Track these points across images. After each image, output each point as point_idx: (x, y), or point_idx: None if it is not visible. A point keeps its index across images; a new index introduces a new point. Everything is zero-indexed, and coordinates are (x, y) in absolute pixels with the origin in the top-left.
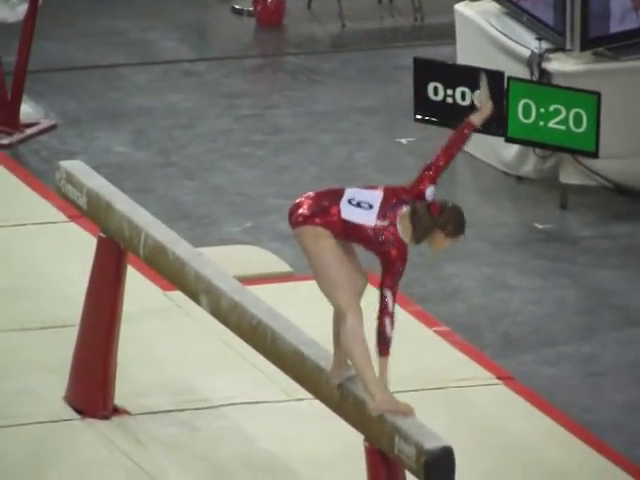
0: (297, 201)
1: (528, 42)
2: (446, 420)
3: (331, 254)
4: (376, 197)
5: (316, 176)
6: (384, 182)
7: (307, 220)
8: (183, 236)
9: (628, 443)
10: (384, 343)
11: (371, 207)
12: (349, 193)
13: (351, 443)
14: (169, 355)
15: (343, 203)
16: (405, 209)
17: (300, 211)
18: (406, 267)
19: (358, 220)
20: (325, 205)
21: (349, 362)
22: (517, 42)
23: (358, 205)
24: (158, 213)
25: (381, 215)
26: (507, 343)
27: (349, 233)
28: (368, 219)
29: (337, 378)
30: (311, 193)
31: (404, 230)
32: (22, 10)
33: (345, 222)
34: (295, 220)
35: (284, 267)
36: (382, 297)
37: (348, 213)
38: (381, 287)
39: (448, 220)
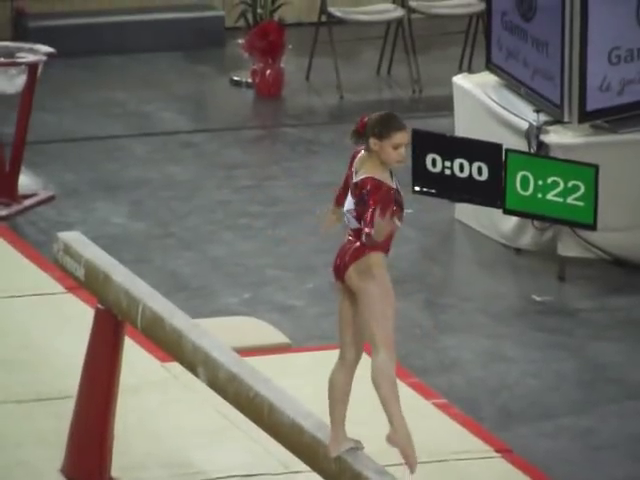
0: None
1: (526, 114)
2: None
3: (382, 286)
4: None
5: (314, 247)
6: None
7: (353, 259)
8: (181, 307)
9: None
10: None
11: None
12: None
13: None
14: (166, 427)
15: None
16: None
17: (340, 261)
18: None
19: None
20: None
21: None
22: (515, 114)
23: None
24: (156, 284)
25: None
26: (505, 416)
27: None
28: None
29: (335, 451)
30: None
31: (363, 172)
32: (20, 81)
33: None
34: (344, 268)
35: (282, 338)
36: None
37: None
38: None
39: (373, 125)
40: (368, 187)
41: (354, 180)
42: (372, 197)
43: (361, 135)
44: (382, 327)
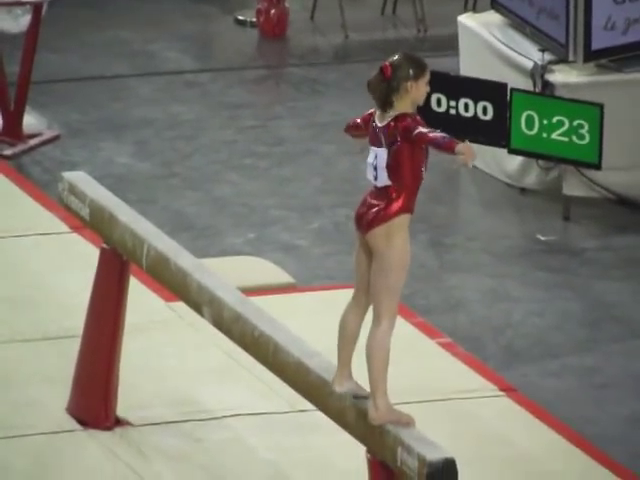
0: (360, 211)
1: (531, 54)
2: (448, 432)
3: (402, 255)
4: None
5: (319, 187)
6: None
7: (381, 221)
8: (186, 247)
9: (631, 455)
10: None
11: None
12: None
13: (354, 455)
14: (171, 366)
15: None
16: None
17: (364, 215)
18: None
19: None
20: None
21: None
22: (520, 54)
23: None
24: (161, 224)
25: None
26: (510, 355)
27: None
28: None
29: (339, 386)
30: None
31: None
32: (25, 21)
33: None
34: (368, 226)
35: (287, 278)
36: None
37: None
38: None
39: (406, 68)
40: (408, 120)
41: (382, 123)
42: (421, 124)
43: (388, 81)
44: (391, 299)
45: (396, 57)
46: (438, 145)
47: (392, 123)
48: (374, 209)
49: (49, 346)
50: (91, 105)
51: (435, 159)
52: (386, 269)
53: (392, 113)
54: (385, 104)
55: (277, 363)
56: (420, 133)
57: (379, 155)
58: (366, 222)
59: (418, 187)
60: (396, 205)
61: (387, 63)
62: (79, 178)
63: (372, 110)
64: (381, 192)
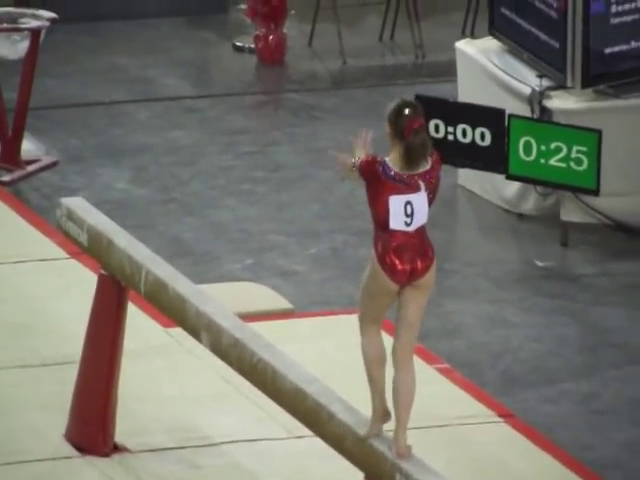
0: (405, 263)
1: (529, 80)
2: (446, 458)
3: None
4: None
5: (317, 213)
6: None
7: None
8: (184, 273)
9: None
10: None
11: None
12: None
13: None
14: (170, 392)
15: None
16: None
17: (420, 264)
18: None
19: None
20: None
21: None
22: (518, 80)
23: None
24: (159, 250)
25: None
26: (507, 380)
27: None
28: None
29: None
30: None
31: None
32: (23, 47)
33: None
34: (425, 269)
35: (285, 304)
36: None
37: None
38: None
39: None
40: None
41: (419, 170)
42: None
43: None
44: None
45: (414, 105)
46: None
47: (434, 167)
48: (422, 254)
49: (47, 372)
50: (89, 131)
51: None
52: (425, 301)
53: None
54: (426, 158)
55: (275, 389)
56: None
57: (417, 200)
58: (421, 269)
59: None
60: (429, 238)
61: (421, 117)
62: (77, 204)
63: (373, 160)
64: (412, 235)
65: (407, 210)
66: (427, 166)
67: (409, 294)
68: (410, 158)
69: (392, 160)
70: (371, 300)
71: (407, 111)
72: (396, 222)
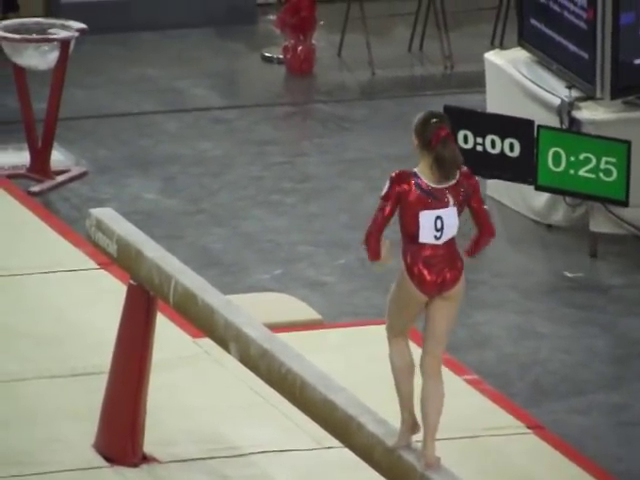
0: (434, 274)
1: (558, 90)
2: (475, 469)
3: None
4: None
5: (346, 224)
6: None
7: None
8: (212, 283)
9: None
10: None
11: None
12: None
13: None
14: (198, 403)
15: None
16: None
17: (449, 276)
18: None
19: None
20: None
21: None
22: (547, 90)
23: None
24: (188, 260)
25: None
26: (537, 392)
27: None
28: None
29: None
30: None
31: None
32: (53, 58)
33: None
34: (454, 280)
35: (313, 314)
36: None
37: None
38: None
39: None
40: (476, 182)
41: (446, 184)
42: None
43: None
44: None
45: (441, 115)
46: (482, 242)
47: (461, 181)
48: (450, 265)
49: (76, 383)
50: (118, 142)
51: None
52: (455, 312)
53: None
54: (458, 169)
55: (304, 400)
56: (485, 212)
57: (447, 215)
58: (450, 280)
59: None
60: (458, 250)
61: (448, 127)
62: (106, 214)
63: (405, 172)
64: (442, 247)
65: (437, 225)
66: (455, 179)
67: (438, 305)
68: (439, 168)
69: (422, 172)
70: (399, 311)
71: (433, 120)
72: (426, 236)
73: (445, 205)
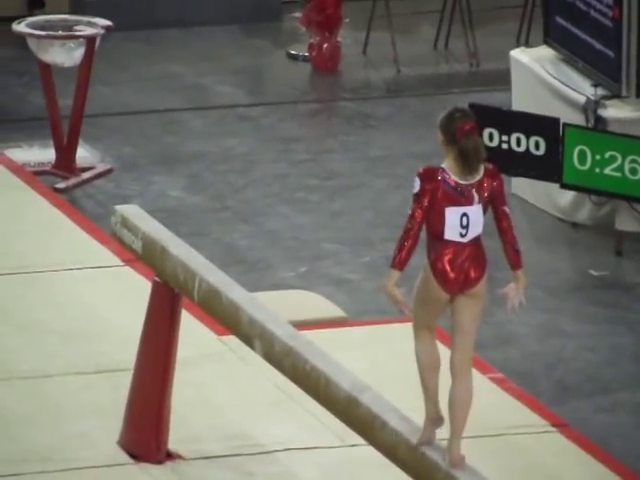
0: (458, 271)
1: (584, 89)
2: (500, 467)
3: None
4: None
5: (371, 221)
6: None
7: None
8: (237, 281)
9: None
10: (520, 255)
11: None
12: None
13: None
14: (223, 400)
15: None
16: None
17: (473, 274)
18: None
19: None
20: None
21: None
22: (573, 89)
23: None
24: (213, 257)
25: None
26: (562, 390)
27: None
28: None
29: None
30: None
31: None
32: (78, 54)
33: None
34: (477, 279)
35: (338, 312)
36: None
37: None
38: (505, 206)
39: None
40: (501, 184)
41: (471, 181)
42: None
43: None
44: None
45: (465, 111)
46: (510, 246)
47: (486, 179)
48: (474, 264)
49: (101, 379)
50: (144, 138)
51: None
52: (480, 310)
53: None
54: (481, 162)
55: (328, 397)
56: (507, 216)
57: (472, 212)
58: (473, 279)
59: None
60: (483, 249)
61: (472, 121)
62: (131, 211)
63: (425, 172)
64: (466, 245)
65: (463, 222)
66: (479, 175)
67: (463, 302)
68: (464, 161)
69: (448, 168)
70: (422, 307)
71: (457, 115)
72: (451, 233)
73: (471, 202)
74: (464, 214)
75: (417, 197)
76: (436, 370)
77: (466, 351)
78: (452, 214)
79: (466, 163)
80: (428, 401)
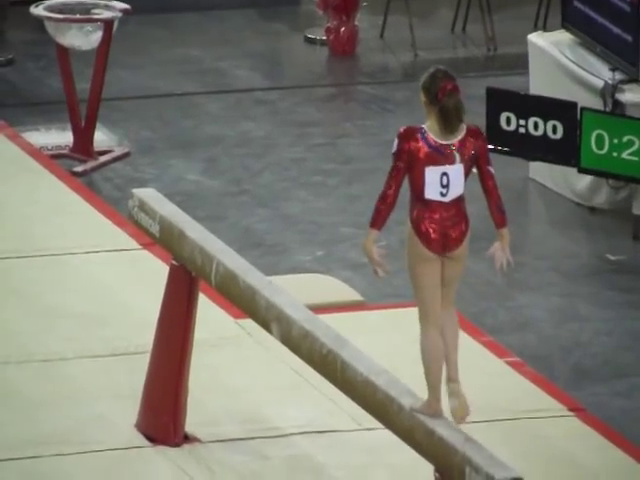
0: (439, 232)
1: (601, 73)
2: (517, 451)
3: None
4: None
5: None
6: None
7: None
8: (254, 264)
9: None
10: (505, 214)
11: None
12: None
13: (422, 474)
14: (240, 383)
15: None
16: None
17: (454, 234)
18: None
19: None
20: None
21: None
22: (590, 73)
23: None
24: (230, 241)
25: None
26: (578, 374)
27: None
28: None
29: (418, 407)
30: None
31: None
32: (96, 38)
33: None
34: (460, 240)
35: (355, 296)
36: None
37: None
38: (488, 166)
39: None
40: (485, 144)
41: (452, 140)
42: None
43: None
44: None
45: (446, 71)
46: (495, 205)
47: (468, 138)
48: (455, 225)
49: (118, 362)
50: (161, 122)
51: (503, 177)
52: (461, 271)
53: (461, 127)
54: (461, 121)
55: (345, 381)
56: (491, 175)
57: (453, 172)
58: (454, 240)
59: None
60: (466, 210)
61: (454, 81)
62: (149, 195)
63: (405, 132)
64: (448, 205)
65: (443, 181)
66: (461, 134)
67: (445, 264)
68: (445, 120)
69: (429, 128)
70: (419, 277)
71: (440, 75)
72: (432, 192)
73: (451, 161)
74: (444, 173)
75: (395, 156)
76: (439, 361)
77: (452, 301)
78: (432, 173)
79: (447, 122)
80: (431, 392)
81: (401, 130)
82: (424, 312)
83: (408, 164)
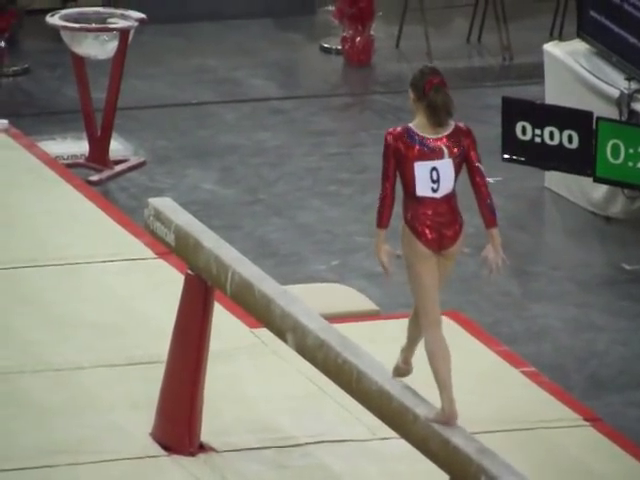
0: (434, 231)
1: (617, 82)
2: (532, 461)
3: None
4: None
5: (401, 215)
6: (470, 222)
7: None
8: (270, 273)
9: None
10: (495, 213)
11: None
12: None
13: None
14: (255, 392)
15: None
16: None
17: (448, 233)
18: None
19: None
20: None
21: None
22: (606, 82)
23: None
24: (245, 250)
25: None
26: (594, 384)
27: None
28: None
29: (432, 417)
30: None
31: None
32: (112, 47)
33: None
34: (455, 238)
35: (370, 305)
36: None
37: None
38: (477, 163)
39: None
40: (473, 143)
41: (439, 135)
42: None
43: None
44: None
45: (434, 68)
46: (484, 204)
47: (456, 134)
48: (450, 223)
49: (134, 371)
50: (177, 132)
51: (518, 187)
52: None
53: (449, 123)
54: (450, 115)
55: (360, 390)
56: (480, 173)
57: (442, 166)
58: (449, 238)
59: None
60: (459, 209)
61: (441, 77)
62: (165, 204)
63: (391, 133)
64: (440, 202)
65: (433, 176)
66: (449, 130)
67: (440, 263)
68: (433, 114)
69: (417, 125)
70: (419, 277)
71: (427, 70)
72: (423, 189)
73: (440, 156)
74: (434, 168)
75: (383, 157)
76: (447, 360)
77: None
78: (421, 168)
79: (435, 116)
80: (443, 393)
81: (387, 132)
82: (425, 312)
83: (397, 162)
